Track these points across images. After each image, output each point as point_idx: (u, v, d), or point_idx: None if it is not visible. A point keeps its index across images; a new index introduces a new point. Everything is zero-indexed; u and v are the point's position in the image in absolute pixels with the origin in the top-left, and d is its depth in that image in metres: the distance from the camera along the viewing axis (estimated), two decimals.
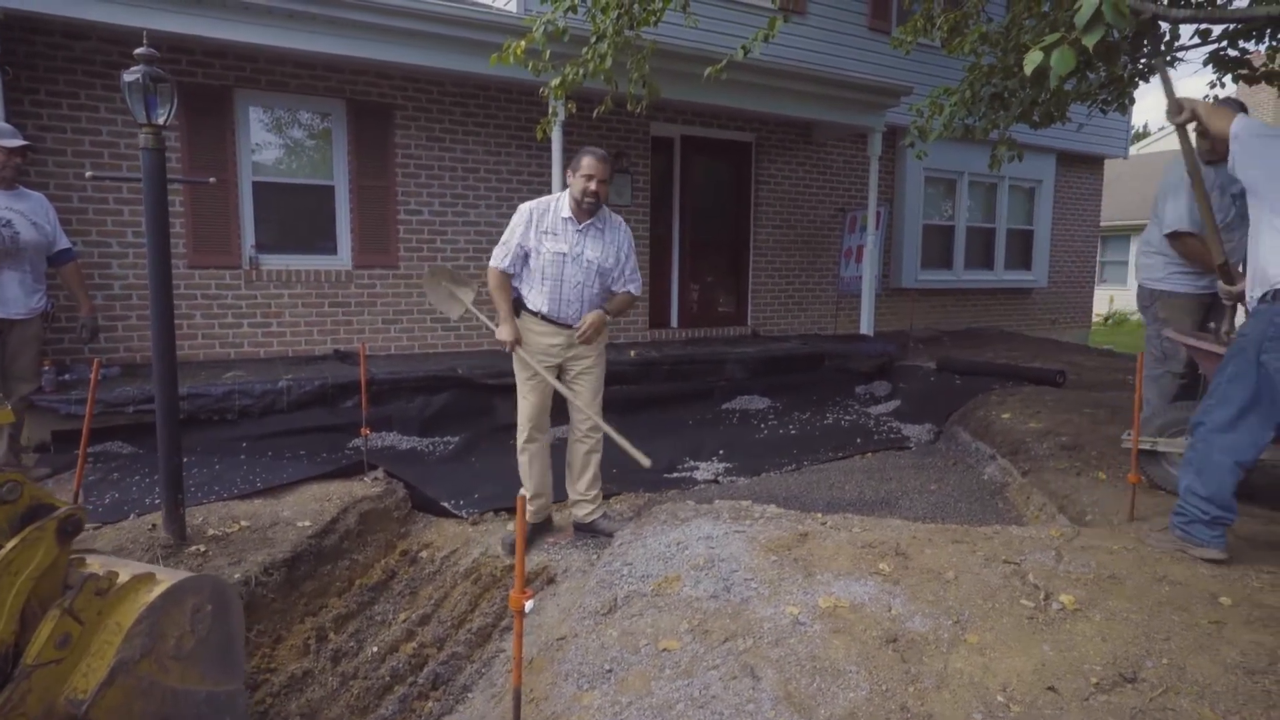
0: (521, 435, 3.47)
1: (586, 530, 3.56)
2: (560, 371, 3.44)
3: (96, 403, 3.62)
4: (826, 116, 7.55)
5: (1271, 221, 2.58)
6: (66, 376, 4.85)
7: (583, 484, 3.52)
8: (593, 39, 4.67)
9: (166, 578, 1.62)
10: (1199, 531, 2.69)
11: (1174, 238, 3.62)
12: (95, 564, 1.61)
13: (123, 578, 1.55)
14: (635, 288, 3.50)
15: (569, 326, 3.35)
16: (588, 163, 3.22)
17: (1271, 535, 2.96)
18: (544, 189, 6.80)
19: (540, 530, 3.64)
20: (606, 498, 3.83)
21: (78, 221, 5.30)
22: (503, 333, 3.34)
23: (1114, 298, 20.01)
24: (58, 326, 5.18)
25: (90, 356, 5.07)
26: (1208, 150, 3.24)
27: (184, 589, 1.62)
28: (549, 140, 5.70)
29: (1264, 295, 2.63)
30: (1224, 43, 5.06)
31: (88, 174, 3.34)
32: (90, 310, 4.45)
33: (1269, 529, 3.02)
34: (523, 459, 3.51)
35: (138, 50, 2.94)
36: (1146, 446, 3.44)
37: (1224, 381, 2.68)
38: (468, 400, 5.47)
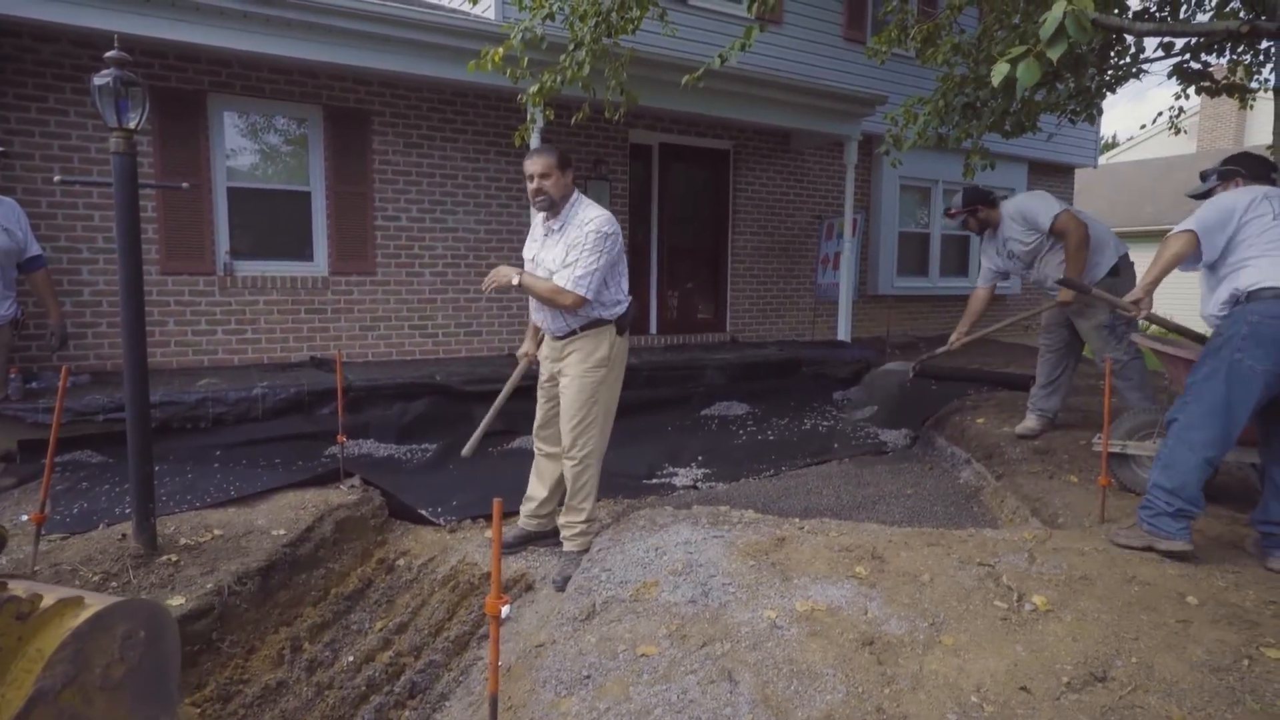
0: None
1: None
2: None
3: (65, 411, 3.55)
4: (803, 125, 7.63)
5: (1220, 271, 2.89)
6: (34, 384, 4.75)
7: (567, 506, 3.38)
8: (571, 46, 4.69)
9: (96, 602, 1.53)
10: (1164, 524, 2.75)
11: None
12: (18, 588, 1.51)
13: (47, 601, 1.47)
14: (566, 282, 2.96)
15: (554, 338, 3.25)
16: (525, 164, 3.09)
17: (1235, 535, 3.03)
18: (521, 196, 6.80)
19: (535, 538, 3.56)
20: None
21: (47, 227, 5.20)
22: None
23: None
24: (26, 334, 5.08)
25: (59, 364, 4.97)
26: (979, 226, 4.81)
27: (114, 614, 1.54)
28: (527, 146, 5.70)
29: (1235, 300, 2.76)
30: (1186, 56, 5.20)
31: (56, 179, 3.27)
32: (59, 317, 4.37)
33: (1233, 529, 3.09)
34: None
35: (109, 54, 2.89)
36: (1116, 450, 3.52)
37: (1198, 380, 2.77)
38: (446, 407, 5.43)
